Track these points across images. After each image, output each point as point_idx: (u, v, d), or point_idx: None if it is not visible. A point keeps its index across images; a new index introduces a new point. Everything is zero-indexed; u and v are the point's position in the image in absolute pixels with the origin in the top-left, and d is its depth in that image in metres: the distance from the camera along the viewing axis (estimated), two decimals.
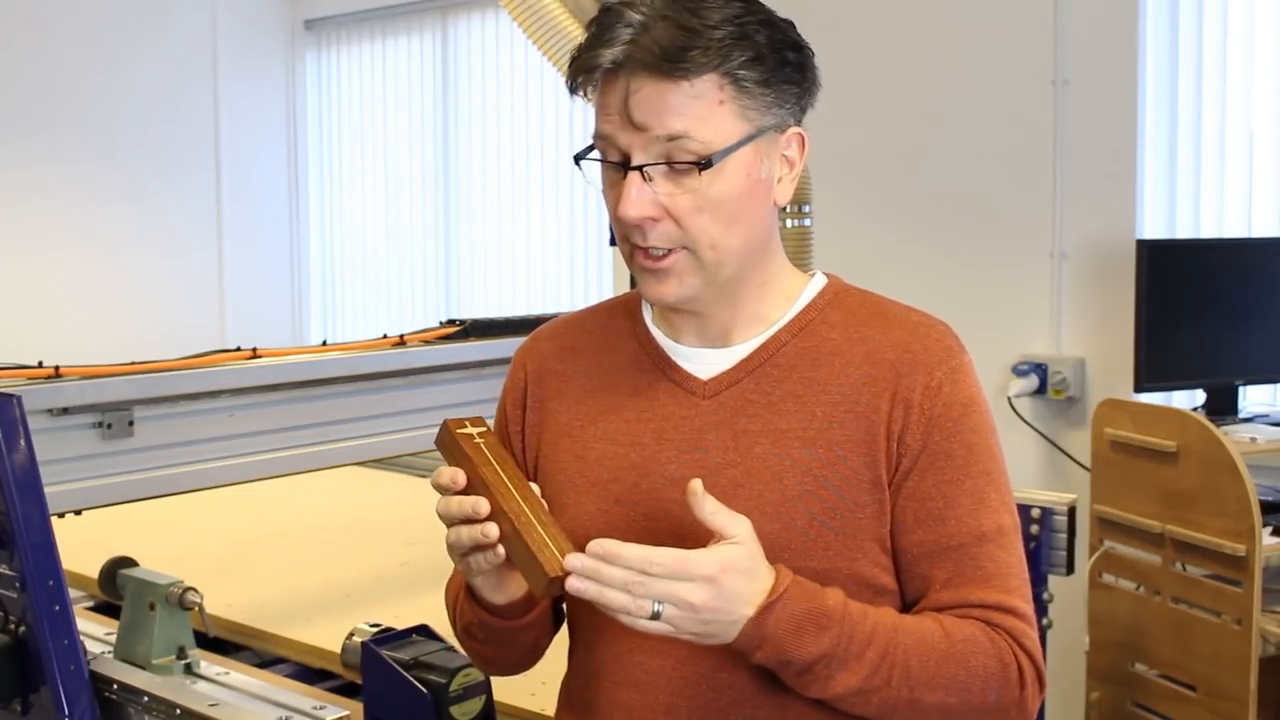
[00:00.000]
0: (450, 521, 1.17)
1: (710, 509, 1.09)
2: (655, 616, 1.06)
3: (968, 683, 1.14)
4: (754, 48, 1.15)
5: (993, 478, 1.21)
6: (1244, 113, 3.32)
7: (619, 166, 1.17)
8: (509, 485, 1.16)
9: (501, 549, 1.14)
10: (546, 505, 1.19)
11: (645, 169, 1.15)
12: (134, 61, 5.06)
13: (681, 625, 1.07)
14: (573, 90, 1.21)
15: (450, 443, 1.20)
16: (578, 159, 1.21)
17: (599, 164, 1.20)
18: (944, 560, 1.19)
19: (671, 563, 1.05)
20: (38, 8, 4.78)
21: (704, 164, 1.14)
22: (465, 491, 1.16)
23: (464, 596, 1.28)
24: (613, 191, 1.18)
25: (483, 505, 1.14)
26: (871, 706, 1.13)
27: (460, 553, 1.18)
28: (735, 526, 1.09)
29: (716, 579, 1.06)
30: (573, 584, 1.06)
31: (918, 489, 1.19)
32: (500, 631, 1.26)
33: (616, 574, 1.05)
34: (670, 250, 1.17)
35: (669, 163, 1.15)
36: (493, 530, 1.13)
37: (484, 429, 1.22)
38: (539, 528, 1.13)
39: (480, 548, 1.15)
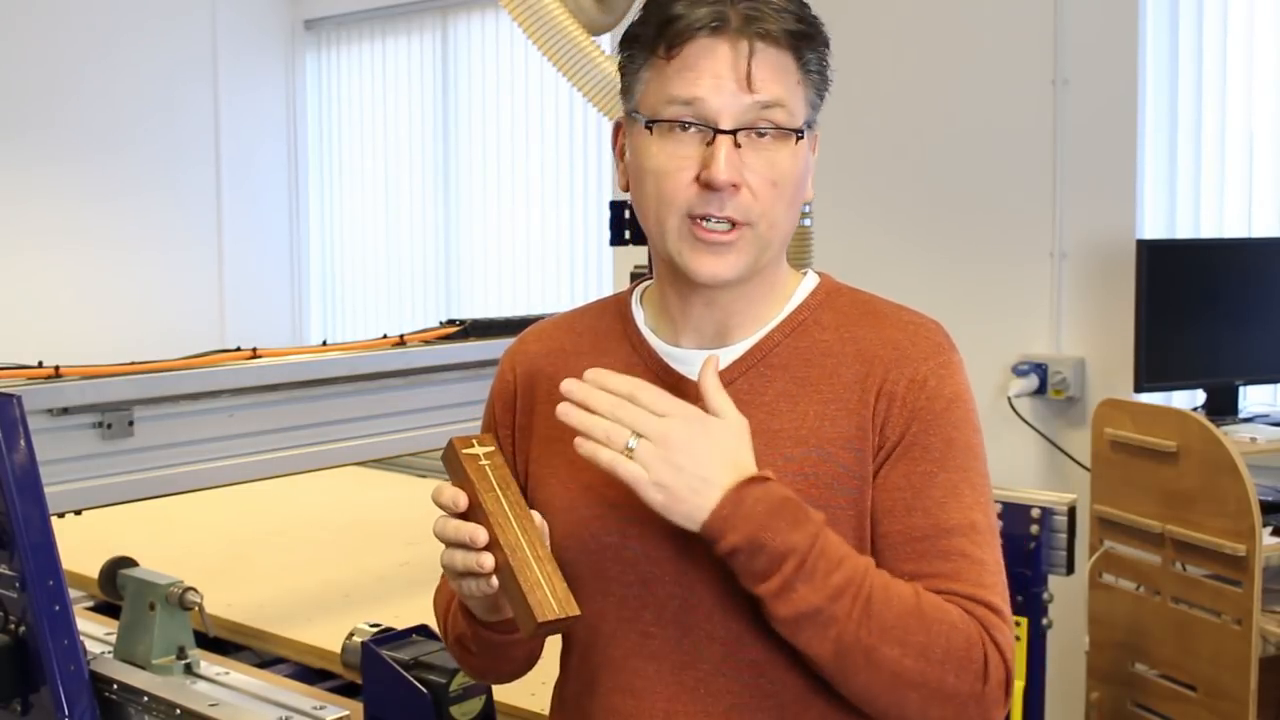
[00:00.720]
0: (447, 543, 1.15)
1: (711, 382, 1.12)
2: (629, 454, 1.08)
3: (927, 646, 1.09)
4: (819, 42, 1.19)
5: (969, 476, 1.18)
6: (1244, 113, 3.32)
7: (709, 131, 1.14)
8: (509, 516, 1.13)
9: (495, 580, 1.12)
10: (549, 536, 1.17)
11: (738, 134, 1.14)
12: (134, 61, 5.06)
13: (653, 466, 1.08)
14: (657, 47, 1.16)
15: (455, 462, 1.17)
16: (649, 124, 1.17)
17: (644, 136, 1.18)
18: (909, 552, 1.15)
19: (659, 392, 1.11)
20: (37, 7, 4.78)
21: (799, 133, 1.16)
22: (465, 515, 1.14)
23: (457, 609, 1.27)
24: (674, 161, 1.16)
25: (480, 534, 1.12)
26: (829, 644, 1.08)
27: (454, 575, 1.16)
28: (730, 408, 1.12)
29: (700, 421, 1.10)
30: (560, 408, 1.10)
31: (888, 479, 1.17)
32: (494, 646, 1.25)
33: (605, 399, 1.09)
34: (735, 225, 1.16)
35: (767, 128, 1.15)
36: (488, 561, 1.11)
37: (491, 449, 1.18)
38: (534, 565, 1.11)
39: (474, 574, 1.13)
